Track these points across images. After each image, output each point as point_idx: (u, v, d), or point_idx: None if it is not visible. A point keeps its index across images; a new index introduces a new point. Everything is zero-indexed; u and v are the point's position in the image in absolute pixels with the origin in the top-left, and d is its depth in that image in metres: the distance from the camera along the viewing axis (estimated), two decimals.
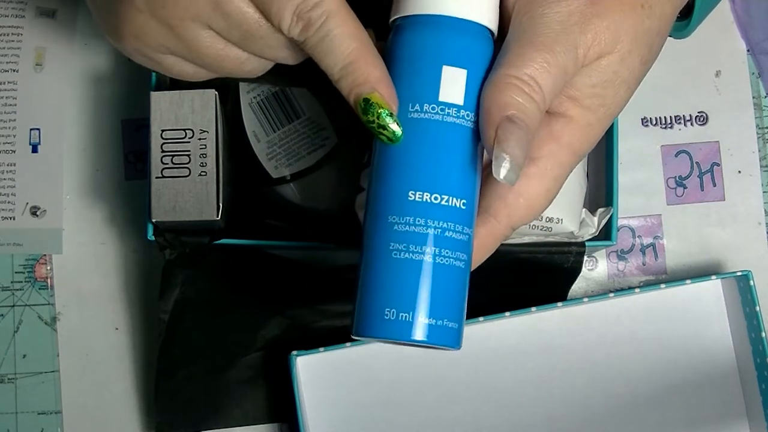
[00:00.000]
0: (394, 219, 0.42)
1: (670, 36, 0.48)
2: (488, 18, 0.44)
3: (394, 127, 0.43)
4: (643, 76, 0.47)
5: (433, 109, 0.43)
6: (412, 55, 0.43)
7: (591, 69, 0.44)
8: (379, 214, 0.43)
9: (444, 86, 0.43)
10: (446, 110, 0.43)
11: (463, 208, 0.43)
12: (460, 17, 0.43)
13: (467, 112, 0.43)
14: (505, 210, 0.45)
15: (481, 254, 0.45)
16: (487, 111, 0.43)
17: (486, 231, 0.45)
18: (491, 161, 0.42)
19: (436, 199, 0.42)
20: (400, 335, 0.41)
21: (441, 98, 0.43)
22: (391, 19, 0.45)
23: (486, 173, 0.45)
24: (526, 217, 0.46)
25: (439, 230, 0.42)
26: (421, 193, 0.42)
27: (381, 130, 0.44)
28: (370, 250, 0.43)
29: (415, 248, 0.42)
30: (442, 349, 0.44)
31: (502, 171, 0.42)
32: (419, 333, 0.41)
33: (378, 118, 0.44)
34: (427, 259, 0.42)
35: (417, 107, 0.43)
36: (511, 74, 0.42)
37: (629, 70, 0.45)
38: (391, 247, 0.42)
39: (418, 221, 0.42)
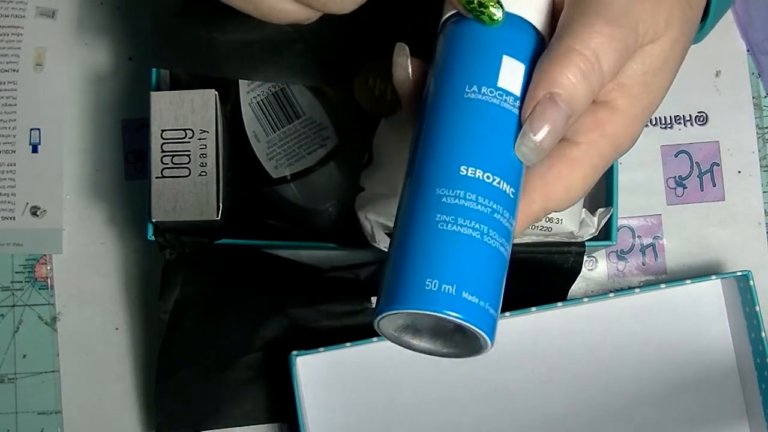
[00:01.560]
0: (442, 191, 0.40)
1: None
2: (544, 27, 0.44)
3: (494, 8, 0.42)
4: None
5: (491, 92, 0.41)
6: (472, 42, 0.42)
7: (643, 54, 0.43)
8: (424, 185, 0.41)
9: (503, 73, 0.42)
10: (504, 96, 0.41)
11: (512, 196, 0.41)
12: (524, 17, 0.43)
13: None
14: (543, 189, 0.43)
15: (515, 232, 0.43)
16: (536, 82, 0.41)
17: (520, 210, 0.43)
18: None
19: (488, 178, 0.40)
20: (441, 307, 0.38)
21: (500, 84, 0.42)
22: (448, 15, 0.44)
23: None
24: (562, 201, 0.44)
25: (489, 210, 0.40)
26: (473, 169, 0.40)
27: (481, 10, 0.42)
28: (412, 222, 0.40)
29: (464, 222, 0.40)
30: (473, 344, 0.40)
31: (524, 149, 0.41)
32: (460, 308, 0.38)
33: None
34: (475, 235, 0.40)
35: (474, 89, 0.42)
36: (575, 47, 0.41)
37: (676, 59, 0.44)
38: (437, 219, 0.40)
39: (469, 196, 0.40)
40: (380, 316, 0.40)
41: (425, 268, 0.39)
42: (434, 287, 0.39)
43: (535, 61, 0.42)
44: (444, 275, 0.39)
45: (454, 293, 0.39)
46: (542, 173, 0.43)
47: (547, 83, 0.41)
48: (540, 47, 0.43)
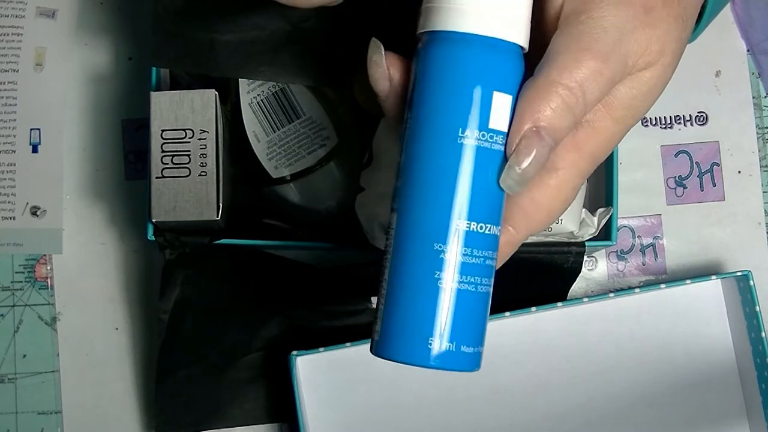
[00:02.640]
0: (439, 247, 0.41)
1: None
2: (526, 44, 0.42)
3: None
4: None
5: (483, 136, 0.41)
6: (460, 76, 0.41)
7: (635, 80, 0.43)
8: (420, 239, 0.41)
9: (494, 113, 0.41)
10: (494, 137, 0.41)
11: (498, 234, 0.42)
12: (510, 41, 0.42)
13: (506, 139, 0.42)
14: (524, 221, 0.44)
15: (498, 262, 0.44)
16: (520, 114, 0.41)
17: (504, 240, 0.44)
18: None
19: (481, 228, 0.41)
20: (442, 363, 0.41)
21: (491, 125, 0.41)
22: (425, 30, 0.42)
23: None
24: (543, 224, 0.45)
25: (482, 259, 0.41)
26: (467, 222, 0.41)
27: None
28: (409, 276, 0.41)
29: (462, 278, 0.41)
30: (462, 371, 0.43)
31: (510, 182, 0.41)
32: (458, 361, 0.41)
33: None
34: (471, 288, 0.41)
35: (467, 133, 0.41)
36: (559, 81, 0.40)
37: (664, 83, 0.44)
38: (436, 276, 0.41)
39: (465, 250, 0.41)
40: (379, 356, 0.42)
41: (426, 326, 0.41)
42: (436, 346, 0.41)
43: (521, 84, 0.42)
44: (444, 334, 0.41)
45: (454, 350, 0.41)
46: (523, 205, 0.44)
47: (532, 117, 0.41)
48: (524, 70, 0.42)
